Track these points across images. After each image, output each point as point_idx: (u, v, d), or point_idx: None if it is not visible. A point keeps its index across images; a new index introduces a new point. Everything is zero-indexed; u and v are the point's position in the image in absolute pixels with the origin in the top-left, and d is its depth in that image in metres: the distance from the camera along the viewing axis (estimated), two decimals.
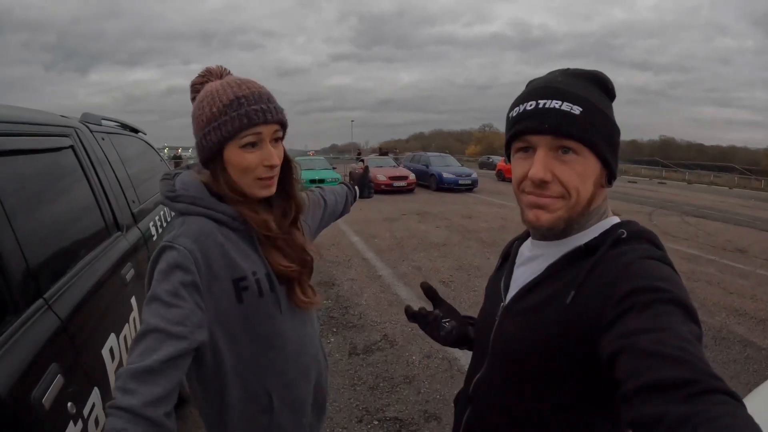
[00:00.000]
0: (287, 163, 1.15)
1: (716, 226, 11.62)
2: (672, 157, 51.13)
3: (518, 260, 0.99)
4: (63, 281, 1.44)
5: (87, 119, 2.36)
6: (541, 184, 0.81)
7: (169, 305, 0.93)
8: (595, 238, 0.84)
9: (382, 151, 29.57)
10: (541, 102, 0.80)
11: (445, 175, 18.00)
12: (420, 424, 2.95)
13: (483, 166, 35.23)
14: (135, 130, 3.42)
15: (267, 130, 1.03)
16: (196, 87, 1.12)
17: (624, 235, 0.81)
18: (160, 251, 1.00)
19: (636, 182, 29.78)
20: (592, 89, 0.83)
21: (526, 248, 0.98)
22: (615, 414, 0.76)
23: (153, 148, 3.73)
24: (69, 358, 1.30)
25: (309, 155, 24.29)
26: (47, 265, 1.41)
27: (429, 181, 18.52)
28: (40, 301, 1.28)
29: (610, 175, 0.86)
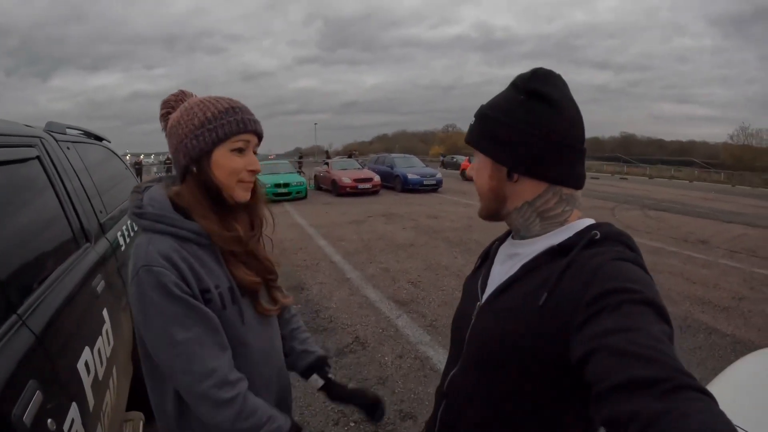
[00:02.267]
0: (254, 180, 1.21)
1: (678, 218, 12.08)
2: (633, 153, 52.46)
3: (496, 260, 1.03)
4: (35, 295, 1.41)
5: (51, 128, 2.30)
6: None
7: (191, 312, 1.04)
8: (570, 238, 0.86)
9: (348, 153, 29.56)
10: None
11: (410, 176, 18.13)
12: (396, 423, 3.00)
13: (447, 165, 35.58)
14: (99, 138, 3.35)
15: (253, 140, 1.13)
16: (170, 104, 1.18)
17: (597, 236, 0.83)
18: (142, 279, 1.03)
19: (598, 178, 30.60)
20: (506, 93, 0.94)
21: (505, 248, 1.03)
22: (587, 415, 0.79)
23: (117, 156, 3.66)
24: (46, 373, 1.27)
25: (269, 159, 24.00)
26: (19, 280, 1.39)
27: (394, 183, 18.63)
28: (14, 317, 1.25)
29: (511, 170, 0.90)
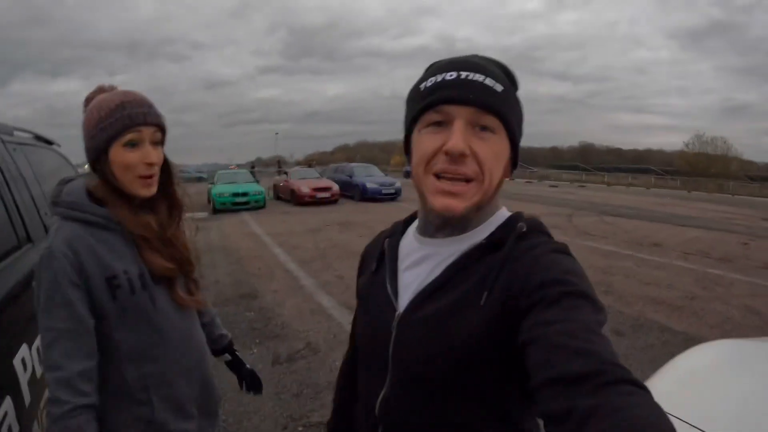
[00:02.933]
0: (167, 167, 1.26)
1: (633, 223, 12.31)
2: (592, 162, 52.89)
3: (403, 262, 0.91)
4: None
5: (0, 129, 2.28)
6: (457, 160, 0.74)
7: (68, 307, 1.08)
8: (495, 232, 0.81)
9: (307, 163, 29.51)
10: (464, 73, 0.76)
11: (369, 185, 18.23)
12: None
13: (406, 175, 35.77)
14: (50, 143, 3.30)
15: (147, 131, 1.16)
16: (89, 100, 1.22)
17: (524, 229, 0.80)
18: (42, 259, 1.11)
19: (557, 186, 30.91)
20: (502, 77, 0.80)
21: (410, 248, 0.91)
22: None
23: (67, 160, 3.59)
24: None
25: (231, 168, 23.71)
26: None
27: (353, 192, 18.67)
28: None
29: (513, 164, 0.84)
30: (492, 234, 0.81)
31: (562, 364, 0.56)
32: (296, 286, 6.38)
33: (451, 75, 0.76)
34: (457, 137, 0.73)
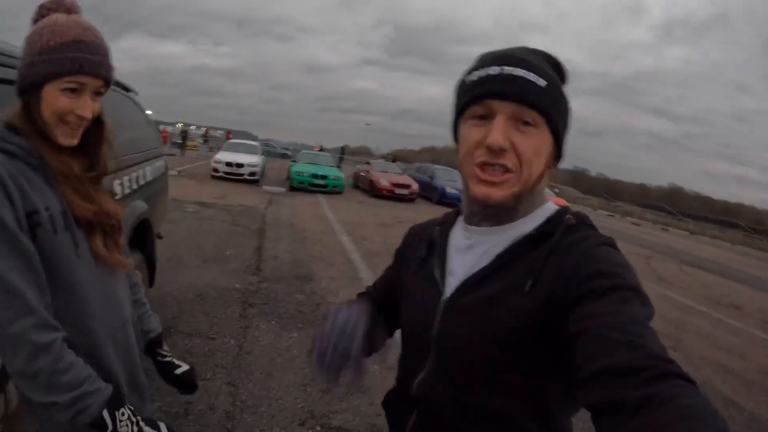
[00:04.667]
0: (100, 123, 1.13)
1: (714, 278, 11.49)
2: (678, 206, 51.61)
3: (452, 249, 0.93)
4: None
5: None
6: (498, 153, 0.77)
7: (11, 243, 0.93)
8: (543, 224, 0.83)
9: (392, 158, 29.56)
10: (507, 69, 0.78)
11: (449, 189, 17.87)
12: None
13: None
14: (127, 89, 3.32)
15: (92, 83, 1.03)
16: (43, 11, 1.06)
17: (572, 221, 0.82)
18: None
19: (639, 225, 29.59)
20: (549, 67, 0.83)
21: (459, 236, 0.93)
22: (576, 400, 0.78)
23: (141, 109, 3.62)
24: None
25: (314, 150, 24.08)
26: None
27: (432, 194, 18.40)
28: None
29: (557, 157, 0.86)
30: (541, 225, 0.83)
31: (612, 357, 0.58)
32: (354, 277, 6.22)
33: (494, 70, 0.79)
34: (496, 133, 0.76)
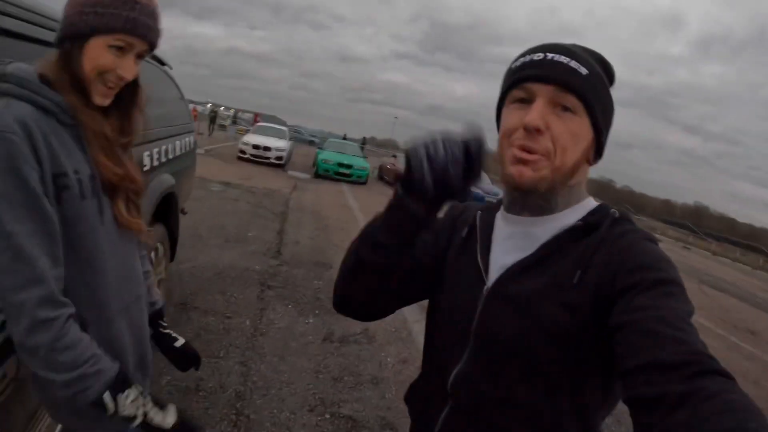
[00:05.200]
0: (135, 87, 1.11)
1: (732, 302, 11.31)
2: (702, 225, 50.86)
3: (496, 237, 0.90)
4: None
5: None
6: (533, 134, 0.76)
7: (32, 200, 0.89)
8: (588, 216, 0.83)
9: None
10: (550, 54, 0.79)
11: (473, 188, 17.67)
12: (374, 429, 2.76)
13: None
14: (162, 63, 3.32)
15: (139, 45, 1.01)
16: None
17: (617, 215, 0.82)
18: None
19: (661, 241, 28.52)
20: (599, 66, 0.82)
21: (502, 223, 0.91)
22: (615, 390, 0.78)
23: (176, 84, 3.62)
24: None
25: (342, 139, 24.04)
26: None
27: None
28: None
29: (597, 153, 0.85)
30: (586, 217, 0.82)
31: (655, 351, 0.58)
32: None
33: (538, 56, 0.79)
34: (533, 113, 0.76)
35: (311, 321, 4.04)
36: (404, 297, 1.00)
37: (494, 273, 0.85)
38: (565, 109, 0.77)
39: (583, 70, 0.78)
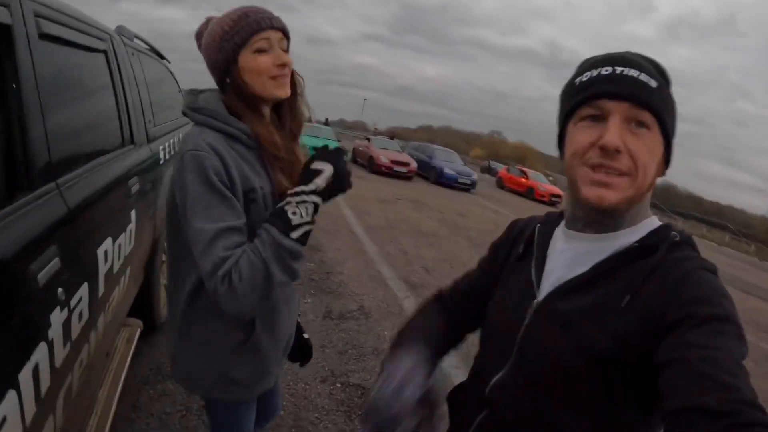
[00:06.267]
0: (293, 79, 1.24)
1: None
2: (669, 203, 51.94)
3: (552, 251, 0.90)
4: (76, 173, 1.46)
5: (122, 32, 2.36)
6: (612, 155, 0.74)
7: (225, 201, 1.06)
8: (647, 237, 0.79)
9: (390, 135, 29.57)
10: (619, 68, 0.76)
11: (446, 170, 17.95)
12: None
13: (484, 171, 35.23)
14: (162, 57, 3.42)
15: (274, 36, 1.14)
16: (200, 33, 1.23)
17: (677, 239, 0.78)
18: (186, 160, 1.07)
19: None
20: (655, 76, 0.78)
21: (560, 238, 0.90)
22: (652, 420, 0.75)
23: (174, 77, 3.72)
24: (69, 245, 1.31)
25: (313, 124, 23.88)
26: (65, 155, 1.41)
27: (429, 173, 18.49)
28: (52, 185, 1.29)
29: (667, 164, 0.82)
30: (644, 238, 0.79)
31: (701, 395, 0.56)
32: (359, 249, 6.41)
33: (606, 70, 0.77)
34: (612, 133, 0.74)
35: (309, 300, 4.24)
36: (479, 316, 1.03)
37: (545, 288, 0.85)
38: (639, 125, 0.75)
39: (653, 83, 0.75)
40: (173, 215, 1.17)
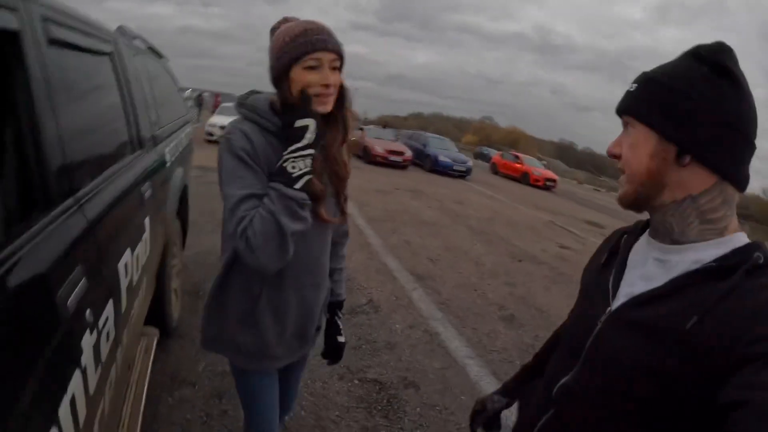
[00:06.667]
0: (343, 92, 1.33)
1: None
2: None
3: (632, 261, 0.90)
4: (92, 185, 1.40)
5: (123, 32, 2.29)
6: (613, 159, 0.87)
7: (251, 172, 1.22)
8: (727, 256, 0.75)
9: (382, 124, 29.44)
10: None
11: (441, 158, 17.92)
12: (399, 389, 3.00)
13: (478, 156, 35.23)
14: (160, 56, 3.35)
15: (326, 57, 1.22)
16: (274, 29, 1.32)
17: (761, 261, 0.72)
18: (224, 142, 1.24)
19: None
20: (683, 62, 0.80)
21: (640, 247, 0.90)
22: None
23: (172, 76, 3.65)
24: (92, 262, 1.26)
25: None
26: (79, 167, 1.35)
27: (424, 161, 18.45)
28: (71, 200, 1.22)
29: (682, 151, 0.77)
30: (724, 257, 0.75)
31: None
32: (364, 242, 6.37)
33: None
34: (611, 144, 0.88)
35: None
36: None
37: (621, 298, 0.86)
38: (627, 127, 0.84)
39: (633, 86, 0.84)
40: None
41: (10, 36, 1.03)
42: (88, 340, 1.16)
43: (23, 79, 1.07)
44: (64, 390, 1.00)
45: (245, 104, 1.31)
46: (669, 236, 0.82)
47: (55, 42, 1.26)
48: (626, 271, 0.90)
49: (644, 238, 0.91)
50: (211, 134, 15.19)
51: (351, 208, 8.44)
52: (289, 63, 1.22)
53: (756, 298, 0.68)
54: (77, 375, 1.07)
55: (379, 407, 2.79)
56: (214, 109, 21.32)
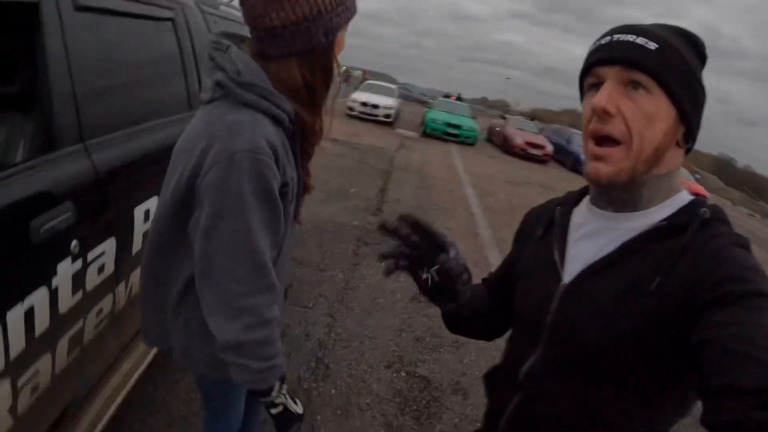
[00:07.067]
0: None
1: None
2: None
3: (574, 232, 0.88)
4: (111, 137, 1.49)
5: (203, 1, 2.40)
6: (602, 118, 0.74)
7: (276, 220, 1.01)
8: (675, 215, 0.77)
9: (530, 116, 28.26)
10: (616, 36, 0.77)
11: (584, 157, 16.69)
12: (445, 393, 2.81)
13: None
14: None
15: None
16: None
17: (707, 215, 0.74)
18: (247, 164, 0.92)
19: None
20: (681, 42, 0.76)
21: (583, 219, 0.88)
22: (683, 395, 0.75)
23: None
24: (90, 202, 1.35)
25: (451, 99, 23.43)
26: (97, 117, 1.43)
27: (566, 159, 17.17)
28: (79, 145, 1.33)
29: (688, 135, 0.78)
30: (672, 216, 0.77)
31: (737, 374, 0.55)
32: (472, 232, 6.16)
33: (605, 39, 0.78)
34: (600, 95, 0.74)
35: (402, 280, 4.11)
36: (507, 312, 1.01)
37: (572, 270, 0.84)
38: (636, 86, 0.73)
39: (652, 45, 0.73)
40: (187, 198, 1.00)
41: None
42: (66, 266, 1.24)
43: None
44: (20, 299, 1.10)
45: (252, 86, 0.96)
46: (633, 206, 0.80)
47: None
48: (570, 242, 0.88)
49: (585, 207, 0.90)
50: (352, 109, 15.71)
51: (471, 195, 8.25)
52: (346, 22, 1.05)
53: (709, 248, 0.70)
54: (42, 291, 1.16)
55: (415, 407, 2.64)
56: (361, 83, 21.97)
